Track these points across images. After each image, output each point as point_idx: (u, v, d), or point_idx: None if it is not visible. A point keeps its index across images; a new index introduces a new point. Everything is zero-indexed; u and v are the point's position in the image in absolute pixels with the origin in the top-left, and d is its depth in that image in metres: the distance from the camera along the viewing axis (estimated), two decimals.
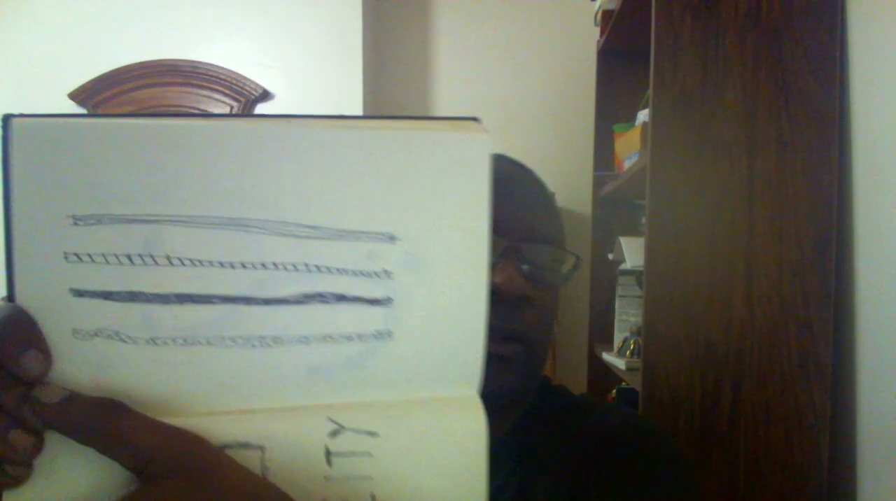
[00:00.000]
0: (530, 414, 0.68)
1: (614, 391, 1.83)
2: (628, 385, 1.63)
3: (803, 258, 1.23)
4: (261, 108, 2.45)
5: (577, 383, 2.21)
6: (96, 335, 0.33)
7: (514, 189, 0.65)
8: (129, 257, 0.33)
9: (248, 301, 0.35)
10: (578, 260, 0.66)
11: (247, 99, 2.42)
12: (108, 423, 0.32)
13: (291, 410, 0.36)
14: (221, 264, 0.34)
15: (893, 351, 1.09)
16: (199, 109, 2.44)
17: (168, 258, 0.34)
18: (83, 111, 2.45)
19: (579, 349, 2.35)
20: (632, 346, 1.67)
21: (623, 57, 2.07)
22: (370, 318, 0.36)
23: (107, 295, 0.33)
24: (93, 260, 0.33)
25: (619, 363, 1.67)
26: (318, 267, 0.36)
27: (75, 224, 0.32)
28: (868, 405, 1.17)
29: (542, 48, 2.60)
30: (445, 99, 2.65)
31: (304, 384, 0.36)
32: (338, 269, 0.36)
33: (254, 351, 0.35)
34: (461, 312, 0.38)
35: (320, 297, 0.36)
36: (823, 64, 1.24)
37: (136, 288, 0.33)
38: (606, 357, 1.81)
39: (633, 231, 1.90)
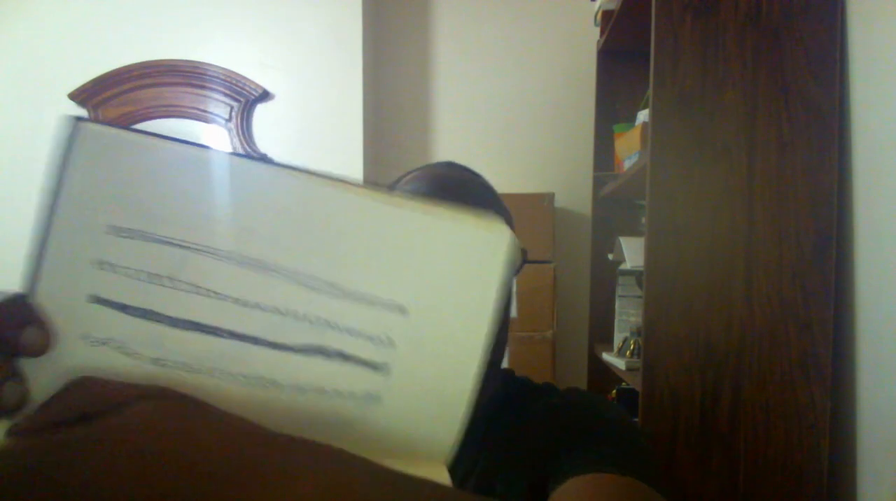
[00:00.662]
0: (492, 404, 0.71)
1: (614, 391, 1.83)
2: (628, 385, 1.63)
3: (803, 258, 1.23)
4: (260, 108, 2.45)
5: (578, 383, 2.21)
6: (105, 344, 0.34)
7: (463, 191, 0.71)
8: (153, 276, 0.34)
9: (255, 341, 0.36)
10: (525, 254, 0.71)
11: (247, 99, 2.42)
12: (80, 397, 0.32)
13: None
14: (237, 301, 0.35)
15: (893, 351, 1.09)
16: (198, 109, 2.44)
17: (191, 285, 0.35)
18: (85, 112, 2.45)
19: (579, 349, 2.35)
20: (632, 346, 1.67)
21: (623, 57, 2.07)
22: (364, 380, 0.38)
23: (123, 308, 0.34)
24: (119, 272, 0.34)
25: (619, 363, 1.67)
26: (327, 322, 0.37)
27: (112, 234, 0.33)
28: (868, 405, 1.17)
29: (542, 48, 2.60)
30: (445, 99, 2.65)
31: (288, 430, 0.37)
32: (346, 328, 0.37)
33: (252, 390, 0.36)
34: (449, 392, 0.40)
35: (323, 351, 0.37)
36: (823, 64, 1.24)
37: (153, 306, 0.34)
38: (606, 357, 1.81)
39: (633, 231, 1.90)
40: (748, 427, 1.24)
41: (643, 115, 1.60)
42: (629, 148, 1.66)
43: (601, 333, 2.11)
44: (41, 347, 0.33)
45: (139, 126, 2.20)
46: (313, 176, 0.36)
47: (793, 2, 1.24)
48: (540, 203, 2.22)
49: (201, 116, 2.44)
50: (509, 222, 0.73)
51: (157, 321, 0.34)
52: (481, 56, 2.63)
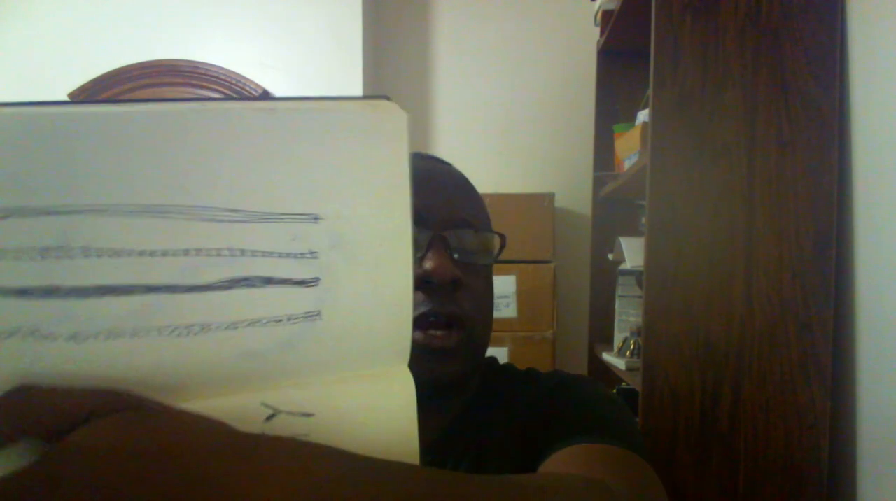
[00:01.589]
0: (478, 394, 0.72)
1: (614, 390, 1.83)
2: (628, 385, 1.63)
3: (803, 258, 1.23)
4: None
5: None
6: (12, 335, 0.31)
7: (434, 182, 0.69)
8: (44, 250, 0.31)
9: (171, 289, 0.33)
10: (504, 239, 0.70)
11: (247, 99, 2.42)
12: (23, 409, 0.30)
13: (223, 398, 0.35)
14: (142, 253, 0.33)
15: (893, 351, 1.09)
16: None
17: (85, 250, 0.32)
18: None
19: (579, 349, 2.35)
20: (632, 346, 1.67)
21: (623, 57, 2.07)
22: (298, 300, 0.36)
23: (21, 292, 0.31)
24: (4, 257, 0.31)
25: (619, 363, 1.67)
26: (242, 251, 0.35)
27: None
28: (868, 405, 1.17)
29: (542, 48, 2.60)
30: (446, 99, 2.65)
31: (235, 370, 0.35)
32: (263, 252, 0.35)
33: (181, 340, 0.34)
34: (388, 287, 0.38)
35: (247, 281, 0.35)
36: (823, 64, 1.24)
37: (53, 282, 0.31)
38: (606, 357, 1.81)
39: (633, 231, 1.90)
40: (748, 427, 1.24)
41: (643, 115, 1.60)
42: (629, 148, 1.66)
43: (601, 333, 2.11)
44: None
45: None
46: (180, 104, 0.34)
47: (793, 2, 1.24)
48: (540, 203, 2.22)
49: None
50: (485, 215, 0.73)
51: (63, 296, 0.32)
52: (481, 56, 2.63)
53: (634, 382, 1.44)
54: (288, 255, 0.36)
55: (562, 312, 2.39)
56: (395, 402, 0.39)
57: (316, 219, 0.36)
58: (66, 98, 2.43)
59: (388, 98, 0.37)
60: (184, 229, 0.33)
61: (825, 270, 1.23)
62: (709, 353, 1.25)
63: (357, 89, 2.41)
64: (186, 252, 0.34)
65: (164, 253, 0.33)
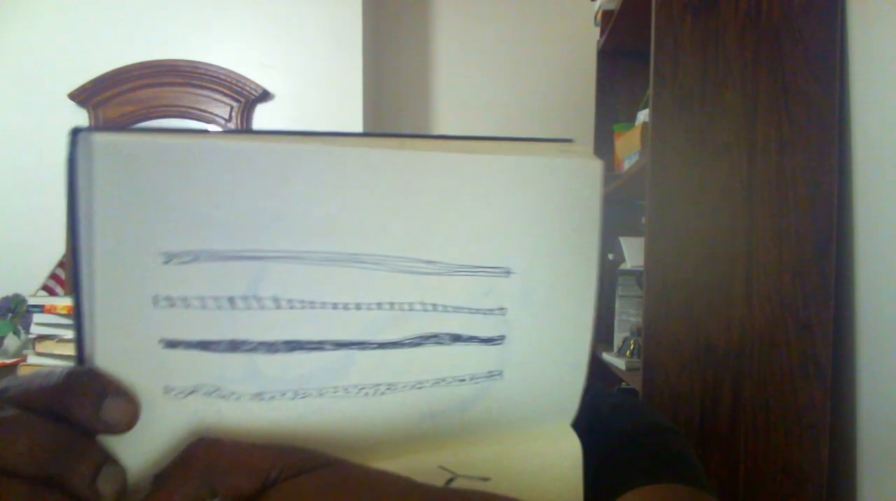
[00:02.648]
0: None
1: (614, 390, 1.83)
2: (628, 385, 1.63)
3: (803, 258, 1.23)
4: (261, 109, 2.45)
5: None
6: (193, 392, 0.29)
7: None
8: (230, 300, 0.28)
9: (362, 345, 0.31)
10: None
11: (247, 99, 2.42)
12: (211, 465, 0.28)
13: (402, 458, 0.33)
14: (335, 306, 0.30)
15: (893, 351, 1.09)
16: (198, 109, 2.44)
17: (276, 300, 0.29)
18: (84, 112, 2.45)
19: None
20: (632, 346, 1.67)
21: (623, 57, 2.07)
22: (483, 358, 0.34)
23: (205, 346, 0.28)
24: (188, 305, 0.28)
25: (619, 363, 1.67)
26: (434, 306, 0.32)
27: (167, 262, 0.27)
28: (868, 405, 1.17)
29: (542, 48, 2.60)
30: (446, 99, 2.65)
31: (416, 431, 0.34)
32: (454, 308, 0.33)
33: (366, 400, 0.32)
34: (568, 346, 0.36)
35: (436, 339, 0.33)
36: (823, 64, 1.24)
37: (239, 336, 0.29)
38: (606, 357, 1.81)
39: (633, 231, 1.90)
40: (748, 427, 1.24)
41: (643, 115, 1.60)
42: (629, 148, 1.66)
43: (601, 333, 2.11)
44: (127, 419, 0.27)
45: (138, 126, 2.19)
46: (374, 140, 0.31)
47: (793, 2, 1.24)
48: None
49: (201, 116, 2.44)
50: None
51: (249, 350, 0.29)
52: (481, 56, 2.63)
53: (634, 382, 1.44)
54: (478, 311, 0.33)
55: None
56: (564, 463, 0.37)
57: (508, 273, 0.34)
58: (66, 98, 2.43)
59: (571, 141, 0.36)
60: (379, 280, 0.31)
61: (825, 270, 1.23)
62: (709, 353, 1.25)
63: (357, 89, 2.41)
64: (380, 305, 0.31)
65: (358, 307, 0.31)
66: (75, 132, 0.26)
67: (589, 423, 0.66)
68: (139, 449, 0.28)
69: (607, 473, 0.59)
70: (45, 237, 2.34)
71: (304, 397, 0.30)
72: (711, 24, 1.25)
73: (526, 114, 2.59)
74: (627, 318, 1.79)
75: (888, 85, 1.12)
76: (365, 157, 0.30)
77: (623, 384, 1.72)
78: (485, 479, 0.35)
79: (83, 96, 2.44)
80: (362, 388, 0.31)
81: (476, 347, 0.34)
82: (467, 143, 0.33)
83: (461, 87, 2.64)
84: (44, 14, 2.47)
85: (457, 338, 0.33)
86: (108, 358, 0.27)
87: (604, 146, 2.12)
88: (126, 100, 2.44)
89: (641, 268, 1.39)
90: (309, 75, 2.44)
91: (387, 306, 0.31)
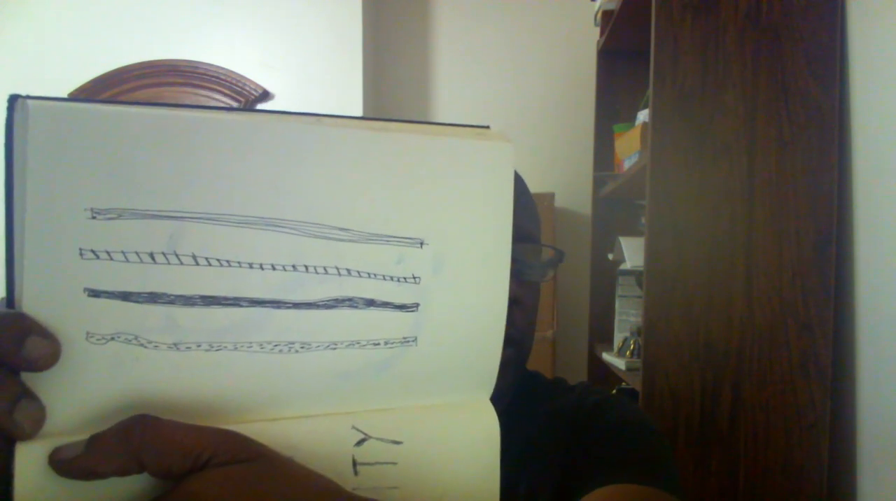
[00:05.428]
0: (511, 404, 0.70)
1: (614, 391, 1.83)
2: (628, 385, 1.63)
3: (803, 258, 1.23)
4: (261, 108, 2.45)
5: None
6: (113, 339, 0.31)
7: None
8: (151, 255, 0.31)
9: (277, 304, 0.33)
10: (560, 254, 0.67)
11: (247, 99, 2.42)
12: (145, 442, 0.29)
13: (317, 418, 0.35)
14: (251, 265, 0.33)
15: (893, 351, 1.09)
16: None
17: (194, 257, 0.31)
18: None
19: (579, 349, 2.35)
20: (632, 346, 1.67)
21: (623, 57, 2.07)
22: (398, 324, 0.36)
23: (126, 296, 0.31)
24: (111, 258, 0.30)
25: (619, 363, 1.67)
26: (348, 271, 0.34)
27: (93, 218, 0.30)
28: (868, 405, 1.17)
29: (542, 48, 2.60)
30: (446, 99, 2.65)
31: (330, 391, 0.35)
32: (368, 274, 0.35)
33: (281, 356, 0.34)
34: (482, 317, 0.38)
35: (350, 302, 0.35)
36: (823, 64, 1.24)
37: (158, 288, 0.31)
38: (606, 357, 1.81)
39: (633, 231, 1.90)
40: (748, 427, 1.24)
41: (643, 115, 1.60)
42: (629, 148, 1.66)
43: (601, 333, 2.11)
44: (48, 358, 0.29)
45: None
46: (297, 118, 0.33)
47: (793, 2, 1.24)
48: (540, 203, 2.22)
49: None
50: (538, 227, 0.70)
51: (168, 303, 0.31)
52: (481, 56, 2.63)
53: (634, 382, 1.44)
54: (392, 278, 0.35)
55: (562, 312, 2.39)
56: (479, 434, 0.39)
57: (422, 243, 0.36)
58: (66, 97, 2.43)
59: (488, 127, 0.38)
60: (294, 244, 0.33)
61: (825, 270, 1.23)
62: (709, 353, 1.25)
63: (357, 89, 2.41)
64: (294, 267, 0.33)
65: (273, 267, 0.33)
66: (13, 98, 0.28)
67: (572, 419, 0.67)
68: (62, 391, 0.30)
69: (580, 468, 0.61)
70: None
71: (218, 349, 0.32)
72: (711, 24, 1.25)
73: (526, 114, 2.59)
74: (627, 318, 1.79)
75: (888, 85, 1.12)
76: (279, 129, 0.32)
77: (623, 384, 1.72)
78: (396, 442, 0.36)
79: (83, 96, 2.44)
80: (276, 345, 0.34)
81: (391, 313, 0.36)
82: (388, 124, 0.35)
83: (461, 87, 2.64)
84: (44, 14, 2.48)
85: (371, 303, 0.35)
86: (35, 303, 0.29)
87: (604, 146, 2.12)
88: (126, 100, 2.44)
89: (641, 268, 1.39)
90: (309, 75, 2.44)
91: (301, 268, 0.34)
